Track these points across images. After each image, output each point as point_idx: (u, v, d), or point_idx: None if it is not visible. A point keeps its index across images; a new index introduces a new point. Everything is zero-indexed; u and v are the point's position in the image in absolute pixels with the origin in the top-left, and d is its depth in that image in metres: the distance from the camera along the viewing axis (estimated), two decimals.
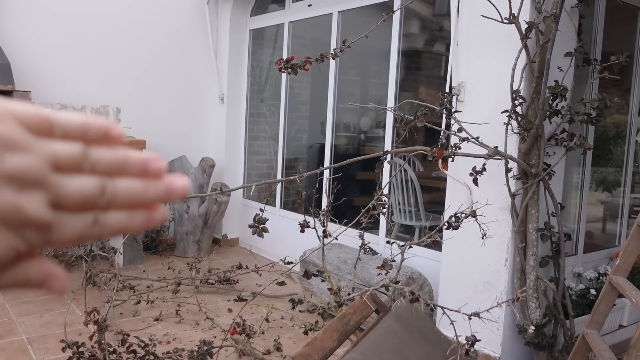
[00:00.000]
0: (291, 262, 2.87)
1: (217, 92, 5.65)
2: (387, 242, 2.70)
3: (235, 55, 5.61)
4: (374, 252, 3.96)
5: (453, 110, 2.65)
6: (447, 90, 3.27)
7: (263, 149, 5.97)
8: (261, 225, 3.17)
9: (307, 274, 2.42)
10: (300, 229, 2.55)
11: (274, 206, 5.39)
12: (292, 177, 2.95)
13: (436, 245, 3.47)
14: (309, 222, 2.42)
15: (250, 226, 3.29)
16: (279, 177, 5.45)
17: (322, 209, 2.46)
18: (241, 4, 5.57)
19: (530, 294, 2.92)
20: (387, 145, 4.20)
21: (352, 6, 4.45)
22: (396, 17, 4.07)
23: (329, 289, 2.23)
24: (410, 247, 2.35)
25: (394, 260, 2.70)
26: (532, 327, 2.83)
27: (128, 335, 2.90)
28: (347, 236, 4.09)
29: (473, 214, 2.17)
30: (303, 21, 5.16)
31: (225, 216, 5.56)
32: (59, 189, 0.30)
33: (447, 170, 2.94)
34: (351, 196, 5.25)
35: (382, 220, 4.20)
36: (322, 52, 2.65)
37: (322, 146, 5.11)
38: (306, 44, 5.87)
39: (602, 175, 4.71)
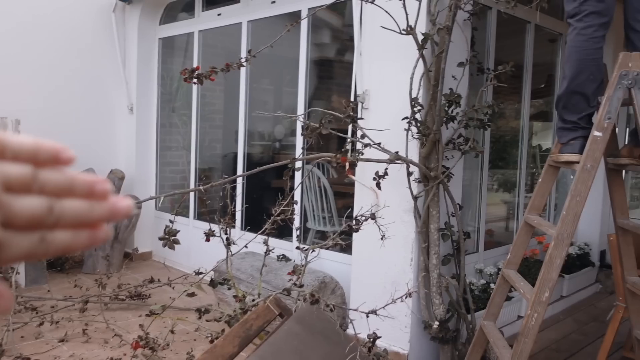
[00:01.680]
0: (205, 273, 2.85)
1: (125, 102, 5.50)
2: (297, 247, 2.74)
3: (144, 64, 5.49)
4: (287, 259, 4.02)
5: (357, 117, 2.75)
6: (352, 98, 3.38)
7: (176, 160, 5.86)
8: (172, 237, 3.12)
9: (213, 283, 2.42)
10: (205, 238, 2.54)
11: (188, 217, 5.31)
12: (199, 188, 2.93)
13: (347, 249, 3.57)
14: (214, 230, 2.42)
15: (160, 238, 3.22)
16: (192, 187, 5.37)
17: (224, 218, 2.46)
18: (149, 12, 5.46)
19: (434, 291, 3.07)
20: (299, 153, 4.26)
21: (261, 16, 4.49)
22: (304, 27, 4.15)
23: (235, 297, 2.24)
24: (313, 251, 2.41)
25: (304, 266, 2.75)
26: (437, 323, 2.98)
27: (28, 359, 2.76)
28: (261, 244, 4.11)
29: (372, 217, 2.26)
30: (214, 30, 5.14)
31: (138, 229, 5.41)
32: (9, 208, 0.30)
33: (353, 175, 3.03)
34: (268, 204, 5.28)
35: (296, 226, 4.25)
36: (227, 62, 2.66)
37: (237, 155, 5.10)
38: (219, 52, 5.84)
39: (503, 176, 5.04)
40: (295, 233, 4.22)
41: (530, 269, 4.07)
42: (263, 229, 2.37)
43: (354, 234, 3.36)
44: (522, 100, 4.49)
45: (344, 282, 3.71)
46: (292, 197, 2.69)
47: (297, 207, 4.35)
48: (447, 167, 3.11)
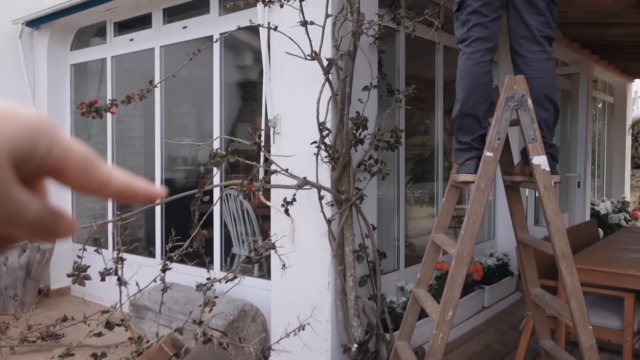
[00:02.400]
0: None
1: None
2: (197, 285, 2.67)
3: (55, 91, 5.27)
4: (208, 289, 3.91)
5: (262, 144, 2.73)
6: (263, 123, 3.36)
7: None
8: (82, 273, 2.98)
9: (109, 325, 2.30)
10: (100, 278, 2.43)
11: (107, 248, 5.10)
12: (111, 221, 2.83)
13: (268, 274, 3.53)
14: (110, 269, 2.32)
15: (69, 275, 3.07)
16: (109, 217, 5.18)
17: (115, 256, 2.37)
18: (59, 37, 5.27)
19: (351, 313, 3.07)
20: (216, 178, 4.19)
21: (173, 41, 4.43)
22: (217, 51, 4.12)
23: (130, 339, 2.15)
24: (211, 286, 2.35)
25: (216, 297, 2.68)
26: (355, 345, 2.98)
27: None
28: (185, 274, 4.00)
29: (272, 246, 2.24)
30: (128, 55, 5.01)
31: (53, 264, 5.14)
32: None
33: (258, 201, 3.00)
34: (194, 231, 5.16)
35: (217, 255, 4.17)
36: (128, 94, 2.59)
37: (163, 181, 4.97)
38: (136, 77, 5.70)
39: (423, 191, 5.16)
40: (219, 262, 4.14)
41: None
42: (163, 264, 2.29)
43: (272, 260, 3.33)
44: (436, 116, 4.63)
45: (265, 308, 3.66)
46: (201, 225, 2.63)
47: (216, 233, 4.27)
48: (359, 189, 3.14)
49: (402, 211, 4.22)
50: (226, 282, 2.18)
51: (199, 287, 2.20)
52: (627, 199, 9.31)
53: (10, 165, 0.28)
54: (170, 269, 2.32)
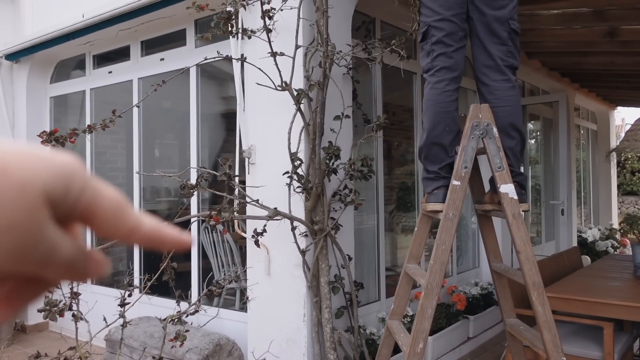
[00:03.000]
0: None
1: None
2: (178, 312, 2.61)
3: (34, 123, 5.25)
4: (182, 322, 3.84)
5: (233, 175, 2.71)
6: (237, 153, 3.35)
7: None
8: (54, 308, 2.91)
9: None
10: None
11: (86, 282, 5.01)
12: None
13: (245, 307, 3.46)
14: (61, 304, 2.26)
15: (39, 310, 3.00)
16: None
17: (72, 291, 2.31)
18: (39, 70, 5.28)
19: (327, 346, 3.00)
20: (194, 209, 4.16)
21: (151, 73, 4.44)
22: (193, 82, 4.14)
23: None
24: (177, 319, 2.29)
25: (187, 330, 2.62)
26: None
27: None
28: (163, 307, 3.93)
29: (236, 279, 2.19)
30: (108, 87, 5.01)
31: None
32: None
33: (226, 232, 2.96)
34: (176, 262, 5.09)
35: (194, 286, 4.10)
36: (89, 124, 2.58)
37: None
38: (118, 108, 5.69)
39: (405, 219, 5.13)
40: (197, 294, 4.06)
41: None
42: (122, 298, 2.24)
43: (249, 291, 3.27)
44: (415, 145, 4.63)
45: (242, 341, 3.58)
46: (180, 257, 2.58)
47: (194, 265, 4.21)
48: (334, 219, 3.11)
49: (382, 240, 4.18)
50: (186, 315, 2.12)
51: (162, 321, 2.14)
52: (615, 225, 9.32)
53: (46, 205, 0.29)
54: (127, 303, 2.26)
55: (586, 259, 6.48)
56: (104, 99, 5.20)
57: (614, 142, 9.86)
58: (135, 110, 4.47)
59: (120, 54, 4.79)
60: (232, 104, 6.20)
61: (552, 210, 6.70)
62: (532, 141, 7.87)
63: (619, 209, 15.44)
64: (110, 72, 4.84)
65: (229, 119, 5.87)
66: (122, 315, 2.19)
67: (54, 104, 5.38)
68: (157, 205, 5.83)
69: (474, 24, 2.26)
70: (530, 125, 7.41)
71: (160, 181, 5.44)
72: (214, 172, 2.71)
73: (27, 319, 5.19)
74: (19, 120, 5.24)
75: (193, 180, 3.94)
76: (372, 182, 4.02)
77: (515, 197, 2.20)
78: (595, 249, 7.68)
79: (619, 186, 15.67)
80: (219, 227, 4.15)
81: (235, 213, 2.56)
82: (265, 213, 2.82)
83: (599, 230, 8.61)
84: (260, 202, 2.76)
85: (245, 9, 2.88)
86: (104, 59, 5.01)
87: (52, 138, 2.47)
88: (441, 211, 2.24)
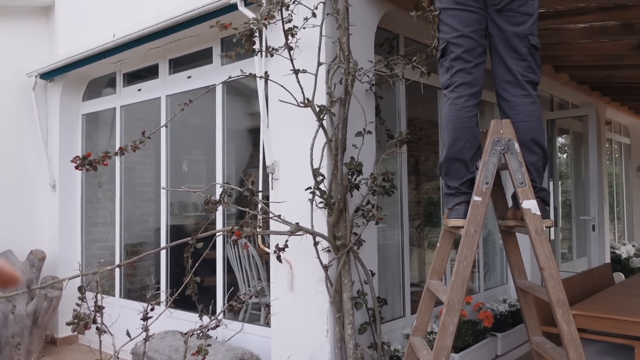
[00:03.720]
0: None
1: (48, 180, 5.36)
2: (200, 326, 2.64)
3: (67, 140, 5.41)
4: (207, 337, 3.87)
5: (256, 190, 2.74)
6: (261, 169, 3.39)
7: (104, 236, 5.69)
8: (82, 322, 2.97)
9: None
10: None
11: (114, 295, 5.10)
12: (112, 267, 2.84)
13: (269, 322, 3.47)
14: (89, 317, 2.31)
15: (68, 323, 3.07)
16: (117, 263, 5.19)
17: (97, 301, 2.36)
18: (72, 89, 5.44)
19: None
20: (219, 223, 4.21)
21: (178, 90, 4.54)
22: (219, 99, 4.21)
23: None
24: (200, 333, 2.32)
25: (209, 345, 2.64)
26: None
27: None
28: (188, 321, 3.97)
29: (257, 294, 2.21)
30: (136, 104, 5.14)
31: (61, 312, 5.15)
32: None
33: (247, 247, 2.99)
34: (201, 276, 5.15)
35: (219, 300, 4.13)
36: (121, 146, 2.66)
37: (169, 228, 5.00)
38: (147, 125, 5.82)
39: (432, 234, 5.09)
40: (221, 307, 4.10)
41: (459, 330, 4.05)
42: (144, 312, 2.27)
43: (272, 306, 3.29)
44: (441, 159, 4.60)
45: (266, 356, 3.59)
46: (193, 271, 2.62)
47: (219, 279, 4.24)
48: (357, 234, 3.11)
49: (406, 256, 4.15)
50: (207, 330, 2.15)
51: (184, 335, 2.17)
52: None
53: None
54: (150, 317, 2.30)
55: (619, 276, 6.31)
56: (133, 115, 5.33)
57: None
58: (163, 127, 4.56)
59: (149, 72, 4.92)
60: (257, 120, 6.27)
61: (583, 225, 6.56)
62: (564, 155, 7.74)
63: None
64: (139, 90, 4.97)
65: (255, 134, 5.94)
66: (145, 329, 2.23)
67: (85, 121, 5.54)
68: (185, 220, 5.91)
69: (494, 40, 2.26)
70: (560, 140, 7.30)
71: (187, 196, 5.52)
72: (238, 187, 2.75)
73: (57, 332, 5.30)
74: (52, 137, 5.41)
75: (217, 196, 4.00)
76: (396, 197, 4.01)
77: (538, 212, 2.17)
78: (630, 266, 7.47)
79: None
80: (241, 241, 4.20)
81: (257, 228, 2.59)
82: (287, 228, 2.84)
83: (634, 246, 8.38)
84: (282, 217, 2.78)
85: (266, 27, 2.93)
86: (134, 77, 5.14)
87: (85, 162, 2.55)
88: (462, 227, 2.23)
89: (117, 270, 5.09)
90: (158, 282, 5.09)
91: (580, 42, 4.50)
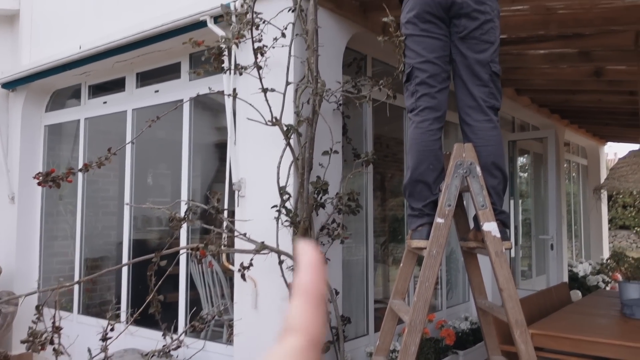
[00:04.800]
0: None
1: (6, 191, 5.21)
2: (164, 345, 2.60)
3: (28, 151, 5.28)
4: (167, 356, 3.81)
5: (222, 209, 2.73)
6: (227, 186, 3.38)
7: (64, 249, 5.55)
8: (37, 340, 2.90)
9: None
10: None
11: (71, 312, 4.97)
12: (70, 285, 2.78)
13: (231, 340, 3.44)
14: (45, 337, 2.26)
15: (22, 341, 2.99)
16: (76, 279, 5.07)
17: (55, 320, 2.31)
18: (35, 99, 5.33)
19: None
20: (183, 239, 4.16)
21: (145, 104, 4.50)
22: (186, 113, 4.19)
23: None
24: (162, 353, 2.29)
25: None
26: None
27: None
28: (149, 339, 3.89)
29: (219, 314, 2.20)
30: (102, 117, 5.07)
31: (16, 329, 4.98)
32: None
33: (212, 265, 2.98)
34: (163, 293, 5.06)
35: (182, 318, 4.07)
36: (86, 162, 2.63)
37: (131, 242, 4.91)
38: (112, 138, 5.74)
39: (399, 251, 5.14)
40: (183, 325, 4.04)
41: (421, 348, 4.09)
42: (103, 333, 2.23)
43: (235, 325, 3.26)
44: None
45: None
46: (157, 290, 2.59)
47: (182, 296, 4.19)
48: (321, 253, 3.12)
49: (371, 273, 4.19)
50: (169, 351, 2.12)
51: (144, 356, 2.14)
52: (605, 260, 9.35)
53: None
54: (109, 337, 2.26)
55: (576, 294, 6.48)
56: (98, 128, 5.25)
57: (604, 176, 9.97)
58: (128, 139, 4.51)
59: (116, 85, 4.86)
60: (224, 135, 6.26)
61: (542, 244, 6.73)
62: (524, 174, 7.95)
63: (612, 243, 15.51)
64: (105, 102, 4.91)
65: (222, 149, 5.92)
66: (103, 350, 2.19)
67: (48, 132, 5.43)
68: (148, 235, 5.82)
69: (457, 66, 2.33)
70: (520, 160, 7.50)
71: (151, 210, 5.45)
72: (203, 205, 2.73)
73: (10, 349, 5.12)
74: (13, 148, 5.27)
75: (182, 212, 3.97)
76: (361, 214, 4.05)
77: (498, 235, 2.23)
78: (587, 284, 7.69)
79: (611, 220, 15.76)
80: (206, 259, 4.16)
81: (222, 246, 2.58)
82: (253, 246, 2.83)
83: (590, 264, 8.63)
84: (248, 235, 2.78)
85: (237, 47, 2.95)
86: (100, 89, 5.07)
87: (48, 178, 2.51)
88: (425, 248, 2.27)
89: (76, 285, 4.97)
90: (119, 298, 4.99)
91: (541, 67, 4.66)
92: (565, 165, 8.02)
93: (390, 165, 5.26)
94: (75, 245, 5.17)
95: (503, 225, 2.30)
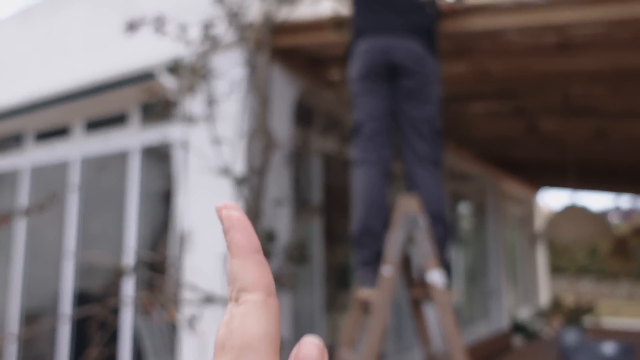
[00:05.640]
0: None
1: None
2: None
3: None
4: None
5: (168, 257, 2.72)
6: (175, 235, 3.36)
7: None
8: None
9: None
10: None
11: None
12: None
13: None
14: None
15: None
16: (11, 329, 4.82)
17: None
18: None
19: None
20: (129, 288, 4.07)
21: (92, 152, 4.45)
22: (135, 159, 4.17)
23: None
24: None
25: None
26: None
27: None
28: None
29: None
30: (46, 164, 4.95)
31: None
32: None
33: (155, 320, 2.93)
34: (107, 345, 4.85)
35: None
36: (27, 208, 2.57)
37: (75, 290, 4.73)
38: (57, 185, 5.60)
39: (345, 297, 5.16)
40: None
41: None
42: None
43: None
44: None
45: None
46: (113, 339, 2.52)
47: (125, 349, 4.06)
48: None
49: (320, 321, 4.20)
50: None
51: None
52: (544, 305, 9.68)
53: None
54: None
55: (518, 339, 6.67)
56: (41, 175, 5.11)
57: (539, 224, 10.45)
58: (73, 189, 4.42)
59: (62, 132, 4.79)
60: (172, 182, 6.23)
61: (483, 290, 6.93)
62: (465, 222, 8.24)
63: (551, 286, 16.05)
64: (49, 150, 4.81)
65: (169, 197, 5.87)
66: None
67: None
68: (92, 282, 5.64)
69: (401, 122, 2.48)
70: (460, 209, 7.78)
71: (96, 259, 5.28)
72: (150, 256, 2.72)
73: None
74: None
75: (127, 259, 3.90)
76: (310, 262, 4.09)
77: (443, 284, 2.33)
78: (528, 329, 7.92)
79: (550, 265, 16.36)
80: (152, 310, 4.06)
81: (170, 296, 2.56)
82: (200, 296, 2.82)
83: (530, 310, 8.92)
84: (195, 284, 2.76)
85: (190, 98, 3.01)
86: (44, 136, 4.98)
87: None
88: (372, 297, 2.34)
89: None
90: (58, 351, 4.75)
91: (479, 123, 4.95)
92: (504, 214, 8.37)
93: (336, 211, 5.36)
94: (10, 296, 4.94)
95: (447, 274, 2.41)
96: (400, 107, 2.48)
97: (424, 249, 2.35)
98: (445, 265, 2.42)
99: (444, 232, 2.44)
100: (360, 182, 2.41)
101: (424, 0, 2.58)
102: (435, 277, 2.33)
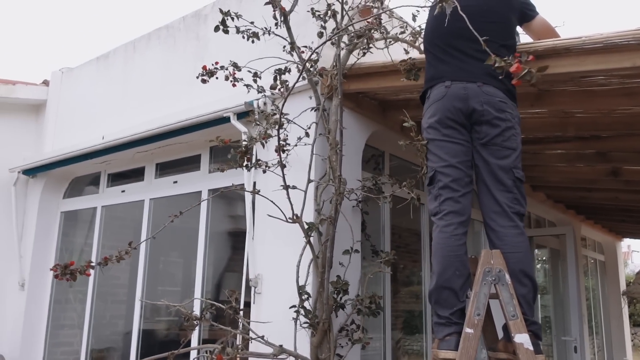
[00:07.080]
0: None
1: (17, 278, 5.16)
2: None
3: (42, 237, 5.28)
4: None
5: (239, 308, 2.65)
6: (244, 282, 3.31)
7: (69, 339, 5.39)
8: None
9: None
10: None
11: None
12: None
13: None
14: None
15: None
16: None
17: None
18: (54, 185, 5.40)
19: None
20: (194, 337, 4.03)
21: (163, 194, 4.53)
22: (204, 205, 4.20)
23: None
24: None
25: None
26: None
27: None
28: None
29: None
30: (119, 205, 5.09)
31: None
32: None
33: None
34: None
35: None
36: (106, 256, 2.61)
37: (141, 332, 4.77)
38: (127, 224, 5.74)
39: (415, 347, 4.94)
40: None
41: None
42: None
43: None
44: (423, 270, 4.58)
45: None
46: None
47: None
48: (340, 355, 2.99)
49: None
50: None
51: None
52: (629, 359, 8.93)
53: None
54: None
55: None
56: (114, 214, 5.26)
57: (622, 272, 9.74)
58: (144, 228, 4.50)
59: (135, 174, 4.92)
60: (240, 223, 6.24)
61: (563, 346, 6.45)
62: (540, 269, 7.79)
63: (632, 340, 14.89)
64: (123, 191, 4.95)
65: (236, 237, 5.88)
66: None
67: (64, 219, 5.45)
68: (156, 325, 5.67)
69: (480, 171, 2.33)
70: (537, 254, 7.37)
71: (160, 298, 5.32)
72: (220, 304, 2.66)
73: None
74: (27, 234, 5.28)
75: (197, 309, 3.87)
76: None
77: (531, 347, 2.12)
78: None
79: (629, 316, 15.23)
80: None
81: (239, 350, 2.47)
82: (270, 350, 2.72)
83: None
84: (265, 337, 2.67)
85: (264, 146, 2.99)
86: (119, 177, 5.13)
87: (67, 271, 2.47)
88: (453, 359, 2.16)
89: None
90: None
91: (557, 165, 4.68)
92: (583, 262, 7.87)
93: (403, 256, 5.17)
94: (82, 335, 5.03)
95: (535, 336, 2.19)
96: (479, 154, 2.34)
97: (509, 308, 2.16)
98: (534, 327, 2.21)
99: (530, 290, 2.24)
100: (438, 234, 2.27)
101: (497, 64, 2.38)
102: (523, 339, 2.13)
